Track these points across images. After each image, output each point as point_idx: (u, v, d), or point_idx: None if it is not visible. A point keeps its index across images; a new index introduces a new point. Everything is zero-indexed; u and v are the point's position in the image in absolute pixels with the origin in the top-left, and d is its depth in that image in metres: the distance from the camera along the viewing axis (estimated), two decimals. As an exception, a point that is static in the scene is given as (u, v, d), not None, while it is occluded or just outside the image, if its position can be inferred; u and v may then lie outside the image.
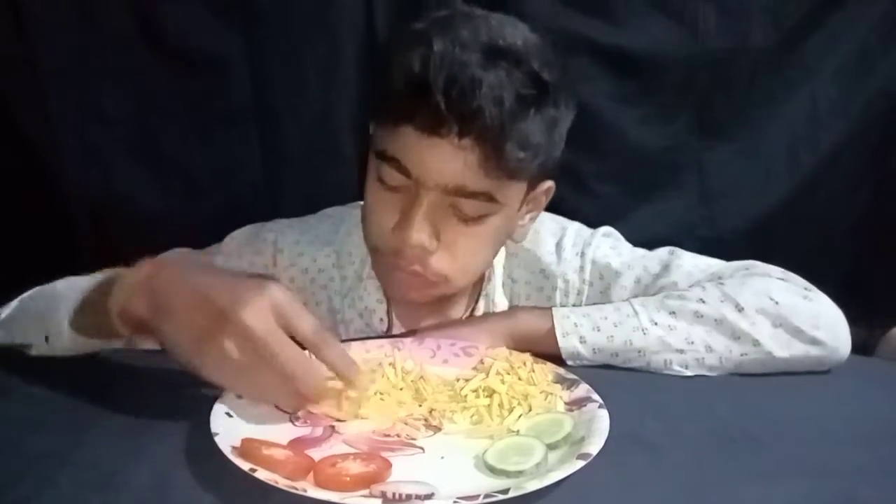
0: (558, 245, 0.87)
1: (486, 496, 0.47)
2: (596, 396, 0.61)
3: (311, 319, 0.55)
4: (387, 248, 0.73)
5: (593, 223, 0.92)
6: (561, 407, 0.62)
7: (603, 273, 0.85)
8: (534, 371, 0.66)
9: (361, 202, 0.90)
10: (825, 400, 0.71)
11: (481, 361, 0.68)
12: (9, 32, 1.05)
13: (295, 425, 0.58)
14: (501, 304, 0.87)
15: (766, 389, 0.72)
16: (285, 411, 0.58)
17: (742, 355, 0.74)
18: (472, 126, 0.66)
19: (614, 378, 0.71)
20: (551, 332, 0.74)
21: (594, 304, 0.85)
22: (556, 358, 0.72)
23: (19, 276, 0.77)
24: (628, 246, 0.89)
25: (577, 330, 0.74)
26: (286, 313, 0.54)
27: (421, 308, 0.82)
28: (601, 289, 0.85)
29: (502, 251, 0.86)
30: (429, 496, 0.47)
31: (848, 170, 1.22)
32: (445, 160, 0.68)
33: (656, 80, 1.17)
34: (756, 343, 0.73)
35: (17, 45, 1.06)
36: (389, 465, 0.51)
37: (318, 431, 0.57)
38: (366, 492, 0.47)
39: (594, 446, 0.52)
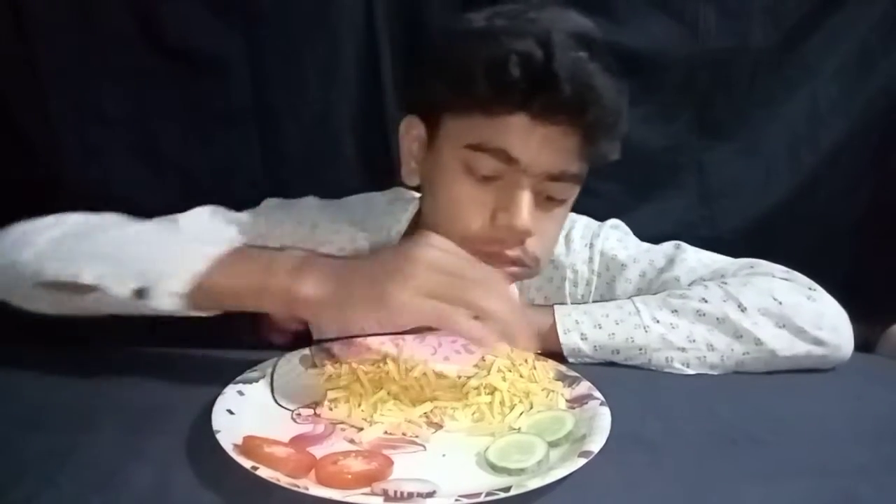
0: (567, 237, 0.88)
1: (488, 494, 0.47)
2: (597, 394, 0.61)
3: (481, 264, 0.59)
4: (484, 238, 0.72)
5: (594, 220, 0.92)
6: (563, 404, 0.62)
7: (609, 265, 0.86)
8: (535, 368, 0.67)
9: (382, 192, 0.92)
10: (826, 399, 0.71)
11: (483, 359, 0.68)
12: (9, 32, 1.05)
13: (296, 423, 0.58)
14: (514, 294, 0.88)
15: (768, 389, 0.72)
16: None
17: (744, 354, 0.74)
18: (589, 115, 0.69)
19: (615, 376, 0.71)
20: (553, 328, 0.74)
21: (601, 294, 0.86)
22: (557, 355, 0.72)
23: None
24: (635, 240, 0.90)
25: (578, 327, 0.74)
26: (457, 250, 0.59)
27: None
28: (608, 280, 0.86)
29: None
30: (430, 494, 0.47)
31: (848, 169, 1.22)
32: (555, 147, 0.70)
33: (657, 79, 1.17)
34: (758, 342, 0.73)
35: (17, 45, 1.06)
36: (391, 463, 0.51)
37: (320, 429, 0.57)
38: (367, 490, 0.47)
39: (596, 444, 0.52)
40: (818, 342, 0.74)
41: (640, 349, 0.74)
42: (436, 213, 0.77)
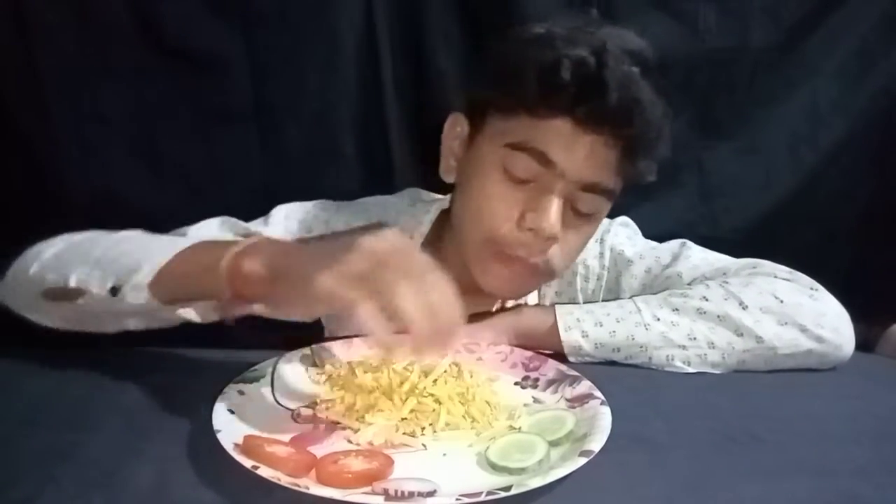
0: None
1: (489, 493, 0.47)
2: (598, 393, 0.61)
3: (422, 253, 0.55)
4: (510, 240, 0.73)
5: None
6: (510, 388, 0.63)
7: (617, 260, 0.88)
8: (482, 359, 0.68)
9: (399, 193, 0.92)
10: (826, 398, 0.71)
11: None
12: (9, 32, 1.05)
13: (297, 422, 0.58)
14: (531, 295, 0.88)
15: (768, 388, 0.72)
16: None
17: (745, 352, 0.74)
18: (632, 128, 0.69)
19: (616, 375, 0.71)
20: (554, 327, 0.74)
21: (610, 289, 0.87)
22: (559, 354, 0.72)
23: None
24: (643, 238, 0.91)
25: (579, 325, 0.74)
26: (404, 244, 0.54)
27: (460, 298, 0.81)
28: (615, 275, 0.87)
29: None
30: (431, 493, 0.47)
31: (848, 168, 1.22)
32: (594, 156, 0.70)
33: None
34: (759, 340, 0.73)
35: (17, 45, 1.05)
36: (391, 463, 0.51)
37: (320, 428, 0.57)
38: (368, 489, 0.47)
39: (596, 443, 0.52)
40: (819, 340, 0.74)
41: (641, 347, 0.74)
42: (465, 211, 0.77)
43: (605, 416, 0.57)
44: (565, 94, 0.69)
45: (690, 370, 0.74)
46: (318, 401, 0.60)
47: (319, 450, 0.53)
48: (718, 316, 0.74)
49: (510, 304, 0.86)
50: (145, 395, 0.61)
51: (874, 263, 1.25)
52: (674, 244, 0.88)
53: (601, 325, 0.74)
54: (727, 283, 0.77)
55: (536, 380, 0.67)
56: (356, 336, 0.71)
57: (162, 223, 1.13)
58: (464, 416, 0.59)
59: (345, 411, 0.58)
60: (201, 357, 0.71)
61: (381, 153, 1.17)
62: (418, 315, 0.50)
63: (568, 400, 0.62)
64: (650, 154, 0.73)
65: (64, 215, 1.13)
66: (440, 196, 0.88)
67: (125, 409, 0.59)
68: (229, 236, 0.83)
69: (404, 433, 0.57)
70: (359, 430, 0.56)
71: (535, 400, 0.64)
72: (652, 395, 0.68)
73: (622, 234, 0.90)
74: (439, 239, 0.85)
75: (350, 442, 0.55)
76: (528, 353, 0.71)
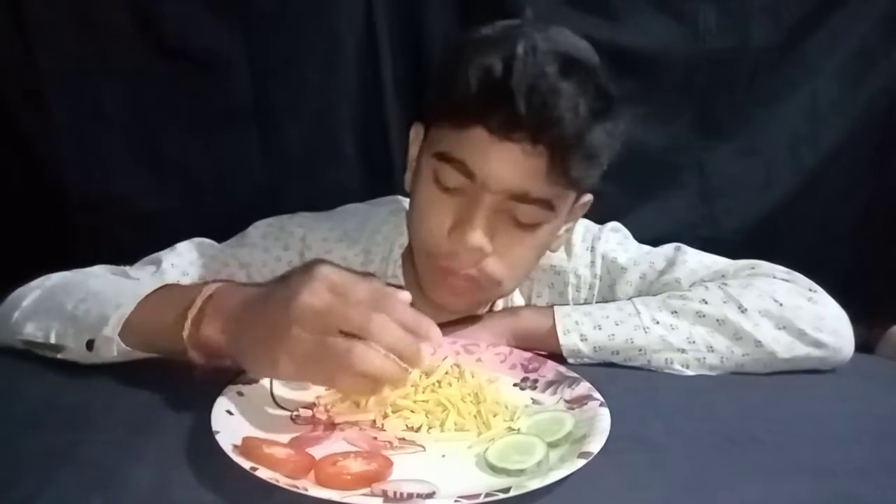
0: (567, 242, 0.87)
1: (488, 495, 0.46)
2: (597, 395, 0.61)
3: (366, 284, 0.53)
4: (441, 252, 0.72)
5: (593, 222, 0.92)
6: (509, 389, 0.63)
7: (610, 268, 0.86)
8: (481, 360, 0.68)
9: (379, 199, 0.91)
10: (826, 399, 0.71)
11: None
12: (9, 32, 1.05)
13: (296, 424, 0.58)
14: (519, 302, 0.88)
15: (767, 389, 0.72)
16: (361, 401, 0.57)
17: (744, 356, 0.74)
18: (548, 134, 0.66)
19: (615, 377, 0.71)
20: (552, 330, 0.74)
21: (603, 297, 0.86)
22: (557, 356, 0.72)
23: (19, 276, 0.77)
24: (635, 242, 0.89)
25: (578, 328, 0.74)
26: (340, 284, 0.52)
27: (442, 307, 0.80)
28: (609, 283, 0.86)
29: None
30: (430, 495, 0.47)
31: (848, 168, 1.22)
32: (514, 165, 0.68)
33: (656, 79, 1.17)
34: (758, 344, 0.73)
35: (17, 44, 1.06)
36: (390, 464, 0.51)
37: (319, 430, 0.57)
38: (367, 490, 0.47)
39: (595, 445, 0.52)
40: (818, 344, 0.74)
41: (640, 350, 0.74)
42: (409, 222, 0.78)
43: (604, 418, 0.57)
44: (473, 104, 0.67)
45: (689, 373, 0.74)
46: (317, 402, 0.60)
47: (318, 451, 0.53)
48: (717, 320, 0.74)
49: (500, 303, 0.86)
50: (145, 396, 0.61)
51: (874, 264, 1.25)
52: (668, 248, 0.86)
53: (600, 329, 0.74)
54: (726, 284, 0.77)
55: (535, 381, 0.67)
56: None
57: (162, 223, 1.14)
58: (475, 416, 0.59)
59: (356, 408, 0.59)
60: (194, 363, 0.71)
61: (381, 153, 1.17)
62: (378, 369, 0.51)
63: (567, 401, 0.62)
64: (583, 158, 0.69)
65: (64, 215, 1.13)
66: None
67: (125, 410, 0.59)
68: (204, 261, 0.82)
69: (409, 428, 0.57)
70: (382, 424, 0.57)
71: (534, 401, 0.64)
72: (651, 397, 0.68)
73: (613, 240, 0.88)
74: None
75: (353, 442, 0.55)
76: (527, 355, 0.70)
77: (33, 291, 0.73)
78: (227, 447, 0.50)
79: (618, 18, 1.15)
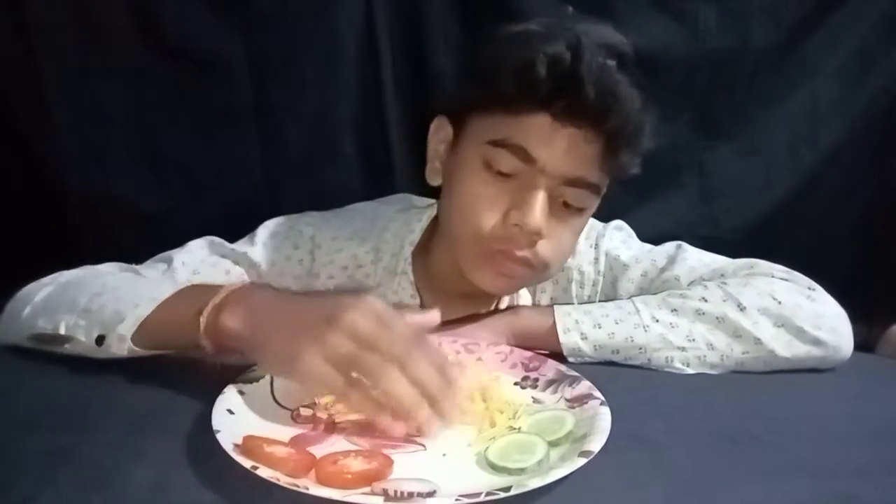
0: None
1: (488, 494, 0.46)
2: (598, 393, 0.61)
3: (408, 323, 0.56)
4: (497, 235, 0.73)
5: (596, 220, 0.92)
6: (510, 388, 0.64)
7: (612, 265, 0.87)
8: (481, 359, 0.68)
9: (386, 198, 0.91)
10: (826, 398, 0.71)
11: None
12: (9, 32, 1.05)
13: (296, 423, 0.58)
14: (525, 298, 0.89)
15: (767, 388, 0.72)
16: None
17: (743, 354, 0.74)
18: (611, 122, 0.70)
19: (616, 376, 0.71)
20: (553, 328, 0.74)
21: (606, 294, 0.87)
22: (557, 355, 0.72)
23: (19, 276, 0.77)
24: (638, 241, 0.90)
25: (578, 326, 0.74)
26: (388, 317, 0.54)
27: (452, 303, 0.81)
28: (611, 280, 0.87)
29: None
30: (430, 494, 0.47)
31: (848, 168, 1.22)
32: (574, 151, 0.71)
33: (656, 79, 1.17)
34: (758, 342, 0.73)
35: (17, 44, 1.06)
36: (391, 463, 0.51)
37: (320, 429, 0.57)
38: (367, 489, 0.47)
39: (596, 444, 0.52)
40: (817, 342, 0.74)
41: (640, 349, 0.74)
42: (452, 212, 0.78)
43: (604, 417, 0.57)
44: (542, 90, 0.69)
45: (689, 371, 0.74)
46: (318, 401, 0.60)
47: (319, 450, 0.53)
48: (717, 317, 0.74)
49: (504, 305, 0.87)
50: (145, 396, 0.61)
51: (874, 264, 1.25)
52: (669, 247, 0.87)
53: (600, 327, 0.74)
54: (725, 283, 0.77)
55: (536, 380, 0.67)
56: None
57: (162, 223, 1.14)
58: (483, 412, 0.59)
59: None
60: (201, 357, 0.70)
61: (381, 153, 1.17)
62: (409, 398, 0.52)
63: (567, 400, 0.62)
64: (632, 147, 0.73)
65: (64, 215, 1.13)
66: (432, 201, 0.88)
67: (125, 410, 0.59)
68: (215, 260, 0.83)
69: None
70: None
71: (535, 400, 0.64)
72: (651, 396, 0.68)
73: (617, 238, 0.89)
74: (431, 246, 0.85)
75: (352, 439, 0.55)
76: (528, 354, 0.71)
77: (45, 288, 0.73)
78: (227, 446, 0.50)
79: (618, 19, 1.15)
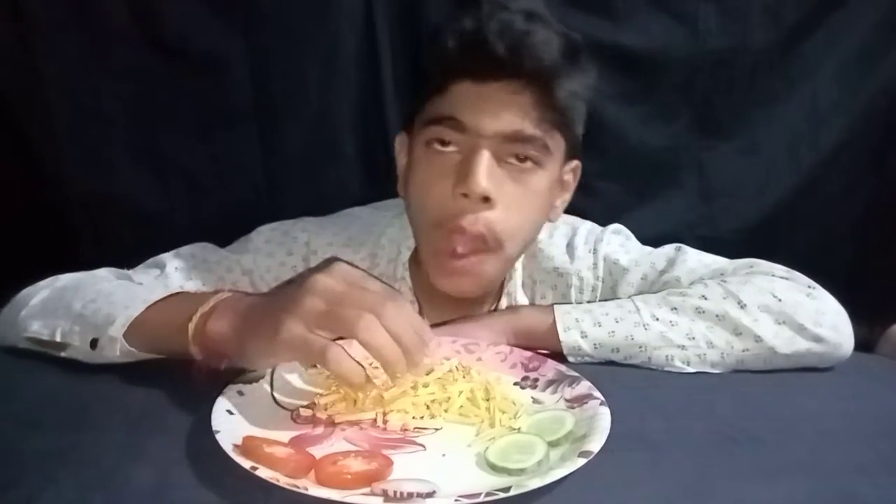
0: (569, 245, 0.88)
1: (488, 494, 0.47)
2: (597, 394, 0.61)
3: (381, 283, 0.57)
4: (449, 211, 0.74)
5: (594, 222, 0.93)
6: (509, 388, 0.64)
7: (612, 269, 0.87)
8: (481, 359, 0.69)
9: (382, 202, 0.92)
10: (826, 398, 0.71)
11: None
12: (9, 32, 1.05)
13: (296, 423, 0.58)
14: (523, 303, 0.88)
15: (768, 387, 0.72)
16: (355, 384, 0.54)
17: (744, 351, 0.74)
18: (527, 67, 0.71)
19: (615, 376, 0.71)
20: (553, 327, 0.74)
21: (606, 299, 0.86)
22: (557, 354, 0.72)
23: (19, 276, 0.77)
24: (637, 243, 0.90)
25: (578, 325, 0.74)
26: (358, 277, 0.56)
27: (450, 307, 0.81)
28: (611, 284, 0.87)
29: None
30: (430, 494, 0.47)
31: (848, 169, 1.22)
32: (501, 105, 0.72)
33: (657, 79, 1.17)
34: (758, 339, 0.73)
35: (17, 45, 1.06)
36: (391, 463, 0.51)
37: (320, 429, 0.57)
38: (367, 490, 0.47)
39: (596, 444, 0.52)
40: (818, 339, 0.74)
41: (640, 347, 0.74)
42: (410, 207, 0.79)
43: (604, 417, 0.57)
44: (454, 58, 0.73)
45: (690, 370, 0.74)
46: (318, 401, 0.60)
47: (319, 450, 0.53)
48: (717, 315, 0.74)
49: (504, 303, 0.87)
50: (145, 396, 0.61)
51: (874, 264, 1.25)
52: (668, 249, 0.87)
53: (600, 326, 0.74)
54: (725, 281, 0.77)
55: (536, 380, 0.67)
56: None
57: (162, 223, 1.14)
58: (487, 410, 0.59)
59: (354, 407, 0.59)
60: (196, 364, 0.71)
61: (381, 153, 1.17)
62: (382, 345, 0.52)
63: (567, 400, 0.62)
64: (564, 90, 0.74)
65: (64, 215, 1.13)
66: None
67: (125, 410, 0.59)
68: (209, 266, 0.83)
69: (418, 416, 0.58)
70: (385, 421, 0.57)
71: (535, 400, 0.64)
72: (651, 396, 0.68)
73: (615, 242, 0.89)
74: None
75: (354, 439, 0.55)
76: (528, 354, 0.71)
77: (41, 291, 0.74)
78: (227, 447, 0.50)
79: (618, 18, 1.15)
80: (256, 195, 1.16)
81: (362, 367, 0.53)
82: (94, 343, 0.64)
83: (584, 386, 0.63)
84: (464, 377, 0.63)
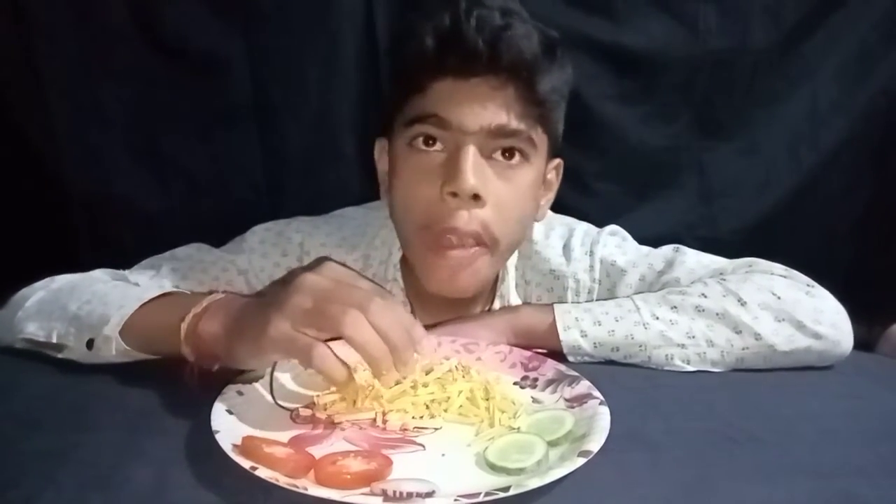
0: (566, 246, 0.88)
1: (487, 494, 0.46)
2: (597, 393, 0.61)
3: (370, 282, 0.58)
4: (439, 213, 0.73)
5: (593, 222, 0.93)
6: (509, 388, 0.64)
7: (609, 271, 0.86)
8: (480, 359, 0.69)
9: (375, 202, 0.90)
10: (826, 398, 0.70)
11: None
12: (9, 32, 1.05)
13: (296, 423, 0.58)
14: (516, 301, 0.88)
15: (768, 387, 0.72)
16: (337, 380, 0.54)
17: (743, 349, 0.74)
18: (506, 60, 0.71)
19: (615, 375, 0.71)
20: (552, 326, 0.74)
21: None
22: (557, 353, 0.72)
23: (19, 276, 0.77)
24: (634, 244, 0.90)
25: (578, 324, 0.74)
26: (346, 274, 0.57)
27: (442, 309, 0.81)
28: (608, 286, 0.86)
29: (515, 253, 0.87)
30: (430, 494, 0.47)
31: (848, 169, 1.22)
32: (483, 100, 0.72)
33: (657, 79, 1.17)
34: (758, 337, 0.73)
35: (17, 45, 1.06)
36: (390, 463, 0.51)
37: (319, 429, 0.57)
38: (366, 490, 0.47)
39: (595, 444, 0.52)
40: (817, 337, 0.74)
41: (640, 346, 0.74)
42: (395, 211, 0.79)
43: (603, 416, 0.57)
44: (432, 56, 0.72)
45: (690, 369, 0.74)
46: (317, 401, 0.60)
47: (318, 450, 0.53)
48: (717, 313, 0.74)
49: (497, 305, 0.86)
50: (145, 396, 0.61)
51: (874, 263, 1.25)
52: (667, 250, 0.87)
53: (600, 324, 0.74)
54: (725, 280, 0.77)
55: (535, 380, 0.67)
56: None
57: (162, 223, 1.14)
58: (486, 409, 0.59)
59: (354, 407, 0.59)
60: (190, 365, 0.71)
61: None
62: (367, 341, 0.52)
63: (567, 400, 0.62)
64: (545, 82, 0.73)
65: (64, 215, 1.13)
66: None
67: (125, 410, 0.59)
68: (205, 266, 0.84)
69: (417, 416, 0.58)
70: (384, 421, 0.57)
71: (534, 400, 0.64)
72: (651, 395, 0.68)
73: (611, 243, 0.88)
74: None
75: (354, 438, 0.55)
76: (527, 353, 0.71)
77: (37, 292, 0.74)
78: (226, 447, 0.50)
79: (618, 19, 1.15)
80: (256, 195, 1.16)
81: (347, 366, 0.53)
82: (90, 343, 0.65)
83: (584, 385, 0.63)
84: (463, 377, 0.63)
